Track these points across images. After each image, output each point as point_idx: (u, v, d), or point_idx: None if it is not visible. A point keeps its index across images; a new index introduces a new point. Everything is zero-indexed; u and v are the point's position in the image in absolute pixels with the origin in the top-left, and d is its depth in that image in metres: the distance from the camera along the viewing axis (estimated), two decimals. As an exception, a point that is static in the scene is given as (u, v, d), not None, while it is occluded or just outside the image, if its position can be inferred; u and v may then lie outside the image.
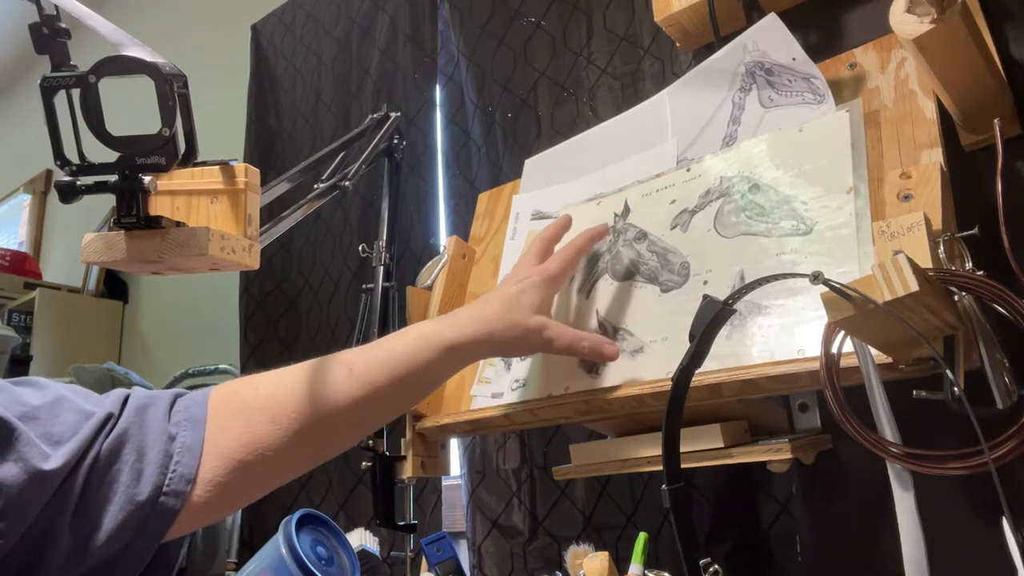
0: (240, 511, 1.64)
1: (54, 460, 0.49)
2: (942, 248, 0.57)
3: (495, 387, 0.86)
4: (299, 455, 0.61)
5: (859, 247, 0.65)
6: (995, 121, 0.67)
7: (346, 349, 0.66)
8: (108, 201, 0.47)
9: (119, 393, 0.58)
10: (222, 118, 2.08)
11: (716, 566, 0.57)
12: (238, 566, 1.54)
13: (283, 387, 0.61)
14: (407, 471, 0.91)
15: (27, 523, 0.48)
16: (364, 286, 1.04)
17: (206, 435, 0.56)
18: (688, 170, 0.84)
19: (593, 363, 0.78)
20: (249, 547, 1.61)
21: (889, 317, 0.49)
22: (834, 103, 0.76)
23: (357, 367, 0.63)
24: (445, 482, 1.38)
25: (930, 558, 0.54)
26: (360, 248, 1.07)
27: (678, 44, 1.07)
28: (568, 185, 0.99)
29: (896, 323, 0.49)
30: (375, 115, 1.07)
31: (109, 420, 0.54)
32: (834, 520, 0.83)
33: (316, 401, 0.60)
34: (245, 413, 0.59)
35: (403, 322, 0.98)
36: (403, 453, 0.92)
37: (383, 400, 0.64)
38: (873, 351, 0.57)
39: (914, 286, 0.48)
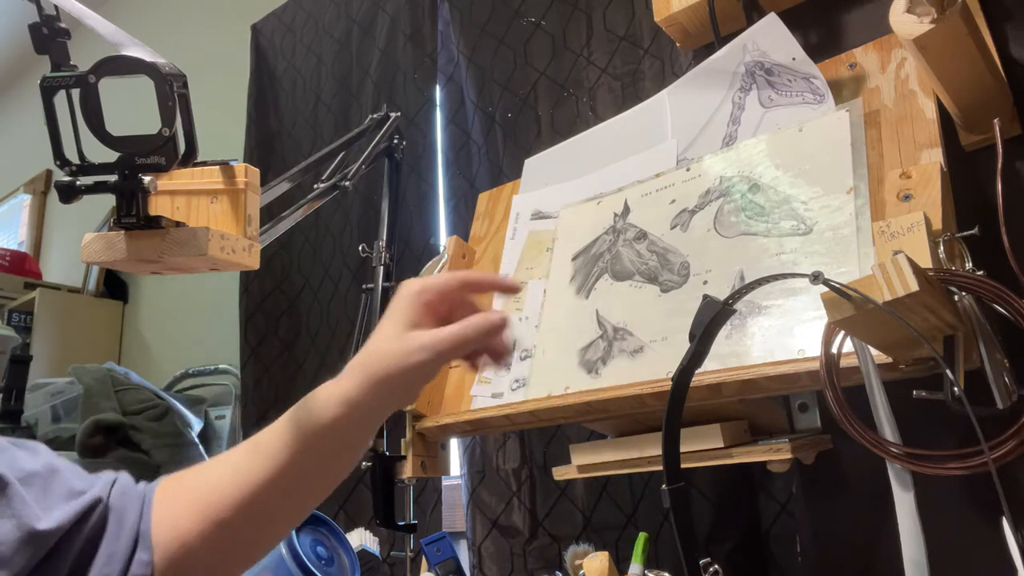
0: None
1: (46, 522, 0.52)
2: (942, 248, 0.57)
3: (495, 387, 0.86)
4: (224, 547, 0.58)
5: (859, 247, 0.65)
6: (995, 121, 0.67)
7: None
8: (108, 201, 0.47)
9: (108, 477, 0.60)
10: (222, 118, 2.08)
11: (716, 566, 0.57)
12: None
13: (207, 475, 0.60)
14: (407, 471, 0.91)
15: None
16: (364, 286, 1.04)
17: (152, 526, 0.57)
18: (688, 170, 0.84)
19: (593, 363, 0.78)
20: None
21: (889, 317, 0.49)
22: (834, 103, 0.76)
23: (261, 444, 0.59)
24: (445, 482, 1.38)
25: (930, 558, 0.54)
26: (360, 248, 1.08)
27: (678, 44, 1.07)
28: (568, 185, 0.99)
29: (896, 323, 0.49)
30: (375, 115, 1.07)
31: (98, 503, 0.56)
32: (834, 520, 0.83)
33: (228, 487, 0.58)
34: (176, 506, 0.59)
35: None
36: (403, 453, 0.92)
37: (292, 476, 0.58)
38: (873, 351, 0.57)
39: (914, 286, 0.48)
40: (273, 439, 0.59)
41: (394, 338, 0.59)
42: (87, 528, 0.54)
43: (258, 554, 0.62)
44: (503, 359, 0.63)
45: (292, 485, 0.59)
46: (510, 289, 0.70)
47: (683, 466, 0.59)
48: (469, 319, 0.58)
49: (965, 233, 0.60)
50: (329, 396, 0.59)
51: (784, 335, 0.65)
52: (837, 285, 0.51)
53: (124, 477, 0.61)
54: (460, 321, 0.58)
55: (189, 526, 0.57)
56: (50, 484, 0.55)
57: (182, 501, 0.59)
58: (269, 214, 0.73)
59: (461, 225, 1.39)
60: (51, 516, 0.52)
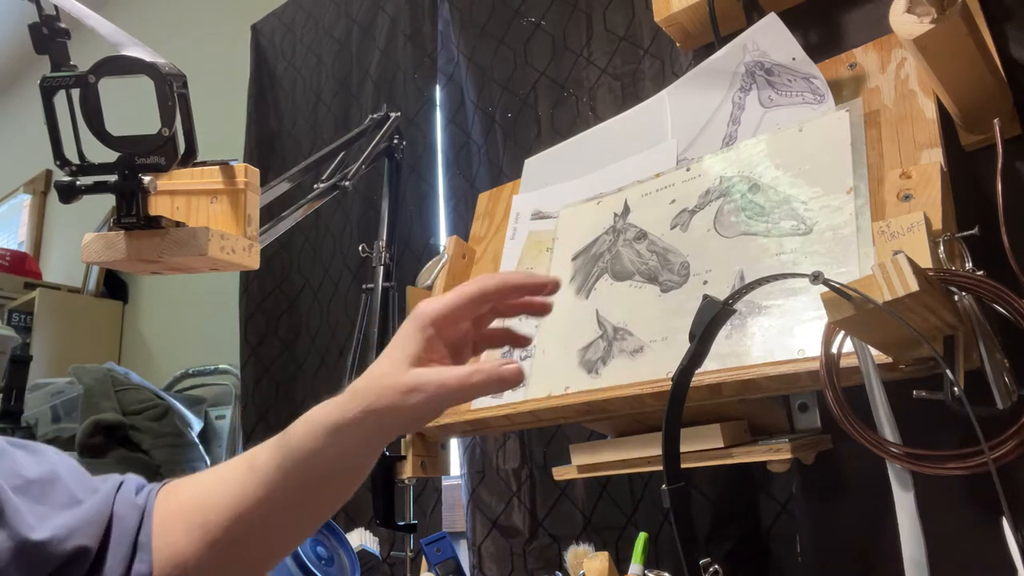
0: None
1: (39, 532, 0.50)
2: (942, 248, 0.57)
3: (495, 387, 0.86)
4: (219, 568, 0.56)
5: (859, 247, 0.65)
6: (995, 121, 0.67)
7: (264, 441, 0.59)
8: (108, 201, 0.47)
9: (113, 483, 0.58)
10: (222, 118, 2.08)
11: (716, 566, 0.57)
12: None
13: (200, 489, 0.58)
14: (407, 471, 0.91)
15: None
16: (364, 286, 1.04)
17: (152, 540, 0.56)
18: (688, 170, 0.84)
19: (593, 363, 0.78)
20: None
21: (889, 317, 0.49)
22: (834, 103, 0.76)
23: (257, 462, 0.57)
24: (445, 482, 1.38)
25: (930, 558, 0.54)
26: (360, 248, 1.08)
27: (678, 44, 1.07)
28: (568, 185, 0.99)
29: (896, 323, 0.49)
30: (375, 115, 1.08)
31: (95, 517, 0.54)
32: (834, 520, 0.83)
33: (219, 507, 0.56)
34: (167, 523, 0.57)
35: (403, 322, 0.98)
36: (403, 453, 0.92)
37: (284, 499, 0.56)
38: (873, 351, 0.57)
39: (914, 286, 0.48)
40: (267, 459, 0.56)
41: (394, 373, 0.54)
42: (87, 538, 0.53)
43: (262, 571, 0.60)
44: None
45: (285, 508, 0.57)
46: (541, 288, 0.58)
47: (683, 466, 0.59)
48: (480, 368, 0.53)
49: (965, 233, 0.60)
50: (318, 422, 0.55)
51: (784, 335, 0.65)
52: (837, 285, 0.51)
53: (130, 482, 0.59)
54: (468, 368, 0.53)
55: (185, 547, 0.55)
56: (49, 492, 0.54)
57: (178, 518, 0.57)
58: (269, 214, 0.73)
59: (461, 225, 1.39)
60: (46, 526, 0.51)
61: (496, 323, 0.62)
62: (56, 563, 0.51)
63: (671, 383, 0.60)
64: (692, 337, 0.60)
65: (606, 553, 0.86)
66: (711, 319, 0.59)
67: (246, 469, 0.57)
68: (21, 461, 0.54)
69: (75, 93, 0.48)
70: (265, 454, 0.57)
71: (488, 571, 1.21)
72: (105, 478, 0.59)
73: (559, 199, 0.98)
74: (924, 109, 0.71)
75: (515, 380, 0.54)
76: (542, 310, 0.60)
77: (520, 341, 0.64)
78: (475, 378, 0.53)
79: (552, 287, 0.59)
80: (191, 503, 0.57)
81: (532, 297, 0.59)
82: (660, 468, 0.58)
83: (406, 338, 0.56)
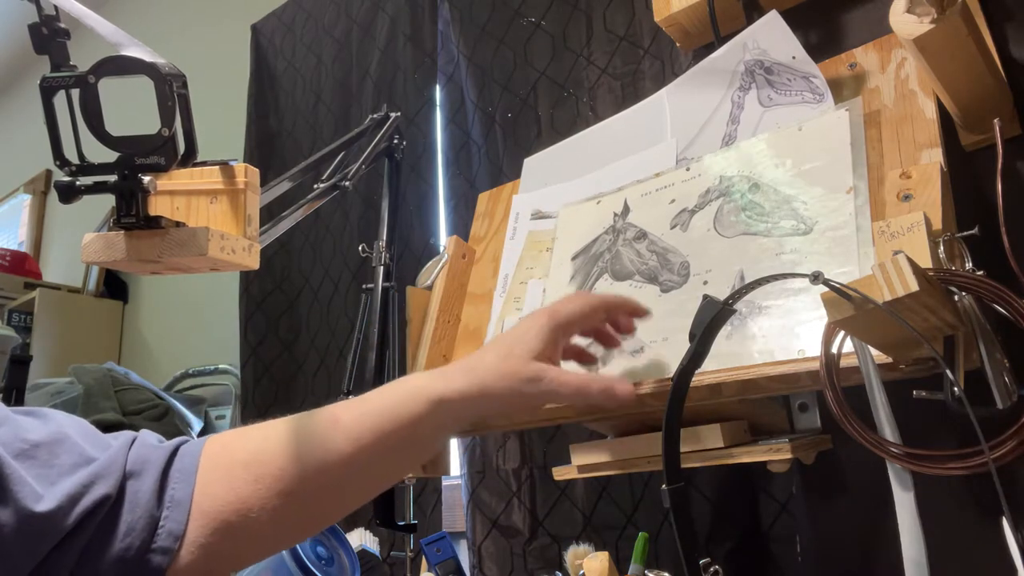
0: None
1: (46, 502, 0.48)
2: (942, 248, 0.57)
3: (495, 387, 0.86)
4: (286, 518, 0.55)
5: (859, 247, 0.65)
6: (995, 121, 0.67)
7: (336, 402, 0.61)
8: (108, 201, 0.47)
9: (126, 437, 0.56)
10: (222, 118, 2.08)
11: (716, 566, 0.57)
12: (238, 566, 1.54)
13: (269, 441, 0.57)
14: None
15: (21, 567, 0.46)
16: (364, 286, 1.04)
17: (195, 490, 0.53)
18: (688, 169, 0.84)
19: (593, 363, 0.78)
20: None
21: (889, 317, 0.49)
22: (833, 102, 0.76)
23: (342, 420, 0.57)
24: (445, 482, 1.38)
25: (930, 558, 0.54)
26: (360, 248, 1.07)
27: (678, 44, 1.07)
28: (568, 184, 0.99)
29: (896, 323, 0.49)
30: (375, 115, 1.07)
31: (109, 468, 0.52)
32: (834, 520, 0.83)
33: (300, 458, 0.55)
34: (230, 469, 0.55)
35: (403, 322, 0.98)
36: (403, 453, 0.92)
37: (370, 458, 0.57)
38: (873, 351, 0.57)
39: (914, 286, 0.48)
40: (355, 418, 0.57)
41: (517, 358, 0.58)
42: (100, 499, 0.50)
43: (321, 526, 0.60)
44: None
45: (368, 467, 0.57)
46: (639, 313, 0.72)
47: (683, 466, 0.59)
48: (599, 379, 0.60)
49: (965, 233, 0.60)
50: (420, 390, 0.58)
51: (784, 335, 0.65)
52: (837, 285, 0.51)
53: (145, 436, 0.57)
54: (589, 376, 0.59)
55: (250, 494, 0.54)
56: (57, 453, 0.51)
57: (242, 466, 0.55)
58: (269, 214, 0.73)
59: (461, 225, 1.39)
60: (53, 492, 0.48)
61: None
62: (69, 527, 0.48)
63: (671, 383, 0.60)
64: (692, 337, 0.60)
65: (606, 553, 0.86)
66: (711, 319, 0.59)
67: (330, 426, 0.57)
68: (26, 425, 0.52)
69: (75, 93, 0.48)
70: (351, 413, 0.57)
71: (488, 571, 1.21)
72: (117, 435, 0.56)
73: (559, 199, 0.98)
74: (924, 109, 0.71)
75: (627, 400, 0.61)
76: (628, 330, 0.72)
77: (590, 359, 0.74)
78: (593, 387, 0.60)
79: (644, 314, 0.72)
80: (261, 453, 0.56)
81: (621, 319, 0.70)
82: (660, 468, 0.58)
83: (535, 332, 0.61)
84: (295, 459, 0.55)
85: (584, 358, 0.74)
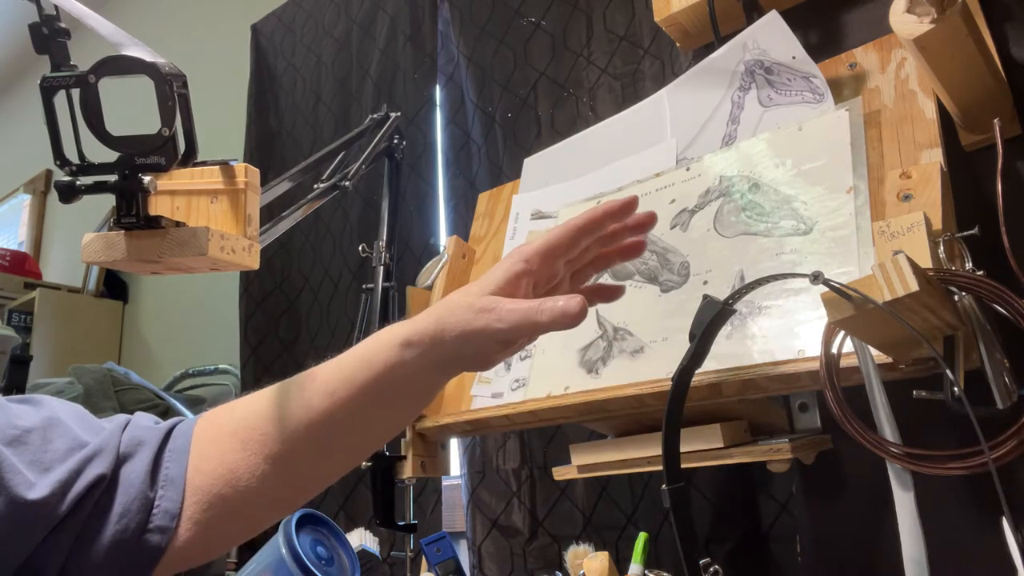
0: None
1: (39, 489, 0.48)
2: (942, 248, 0.57)
3: (495, 387, 0.86)
4: (275, 485, 0.55)
5: (859, 247, 0.65)
6: (995, 121, 0.67)
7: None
8: (108, 201, 0.47)
9: (120, 420, 0.56)
10: (222, 118, 2.08)
11: (716, 566, 0.57)
12: (238, 566, 1.54)
13: (253, 408, 0.56)
14: (407, 471, 0.91)
15: (14, 555, 0.46)
16: (364, 286, 1.04)
17: (188, 467, 0.53)
18: (688, 169, 0.84)
19: (593, 363, 0.78)
20: (249, 547, 1.61)
21: (889, 317, 0.49)
22: (833, 102, 0.76)
23: (319, 376, 0.57)
24: (445, 482, 1.38)
25: (930, 558, 0.54)
26: (360, 248, 1.08)
27: (678, 44, 1.07)
28: (568, 184, 0.99)
29: (896, 323, 0.49)
30: (375, 115, 1.08)
31: (102, 451, 0.52)
32: (834, 520, 0.83)
33: (282, 419, 0.55)
34: (219, 441, 0.55)
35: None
36: (403, 453, 0.92)
37: (350, 411, 0.56)
38: (873, 351, 0.57)
39: (914, 286, 0.48)
40: (330, 373, 0.56)
41: (474, 294, 0.56)
42: (94, 480, 0.50)
43: (314, 490, 0.58)
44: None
45: (350, 422, 0.56)
46: (627, 211, 0.62)
47: (683, 466, 0.59)
48: (545, 303, 0.54)
49: (965, 233, 0.60)
50: (390, 336, 0.57)
51: (784, 335, 0.65)
52: (837, 285, 0.51)
53: (139, 418, 0.57)
54: (536, 302, 0.54)
55: (239, 460, 0.53)
56: (50, 438, 0.51)
57: (230, 435, 0.55)
58: (269, 214, 0.73)
59: (461, 225, 1.39)
60: (46, 479, 0.48)
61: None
62: (63, 514, 0.49)
63: (671, 383, 0.60)
64: (692, 337, 0.60)
65: (606, 553, 0.86)
66: (711, 319, 0.59)
67: (308, 383, 0.56)
68: (18, 412, 0.52)
69: (75, 93, 0.48)
70: (327, 369, 0.57)
71: (488, 571, 1.21)
72: (111, 419, 0.56)
73: (559, 199, 0.98)
74: (924, 109, 0.71)
75: (580, 314, 0.55)
76: (636, 250, 0.64)
77: (611, 292, 0.66)
78: (543, 311, 0.54)
79: (633, 205, 0.62)
80: (246, 420, 0.56)
81: (624, 238, 0.62)
82: (660, 468, 0.58)
83: (498, 268, 0.58)
84: (277, 421, 0.54)
85: (587, 290, 0.66)
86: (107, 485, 0.51)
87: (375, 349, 0.56)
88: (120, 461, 0.52)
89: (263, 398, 0.57)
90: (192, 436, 0.56)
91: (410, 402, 0.59)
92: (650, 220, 0.64)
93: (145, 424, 0.56)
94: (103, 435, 0.53)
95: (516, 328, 0.54)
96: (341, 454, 0.58)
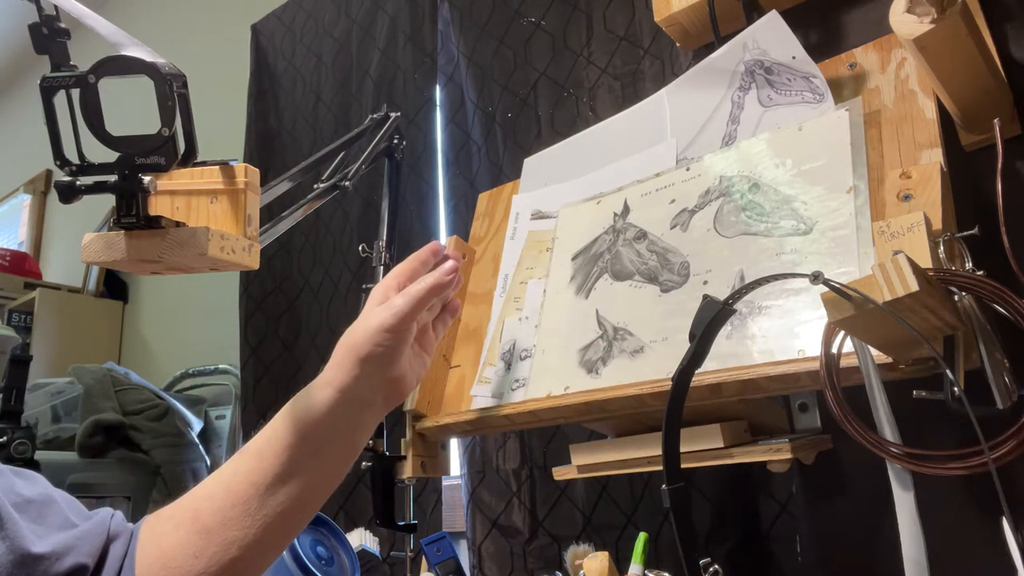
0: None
1: (42, 546, 0.51)
2: (942, 248, 0.57)
3: (495, 387, 0.86)
4: (218, 559, 0.56)
5: (859, 247, 0.65)
6: (995, 121, 0.67)
7: None
8: (108, 201, 0.47)
9: (104, 513, 0.59)
10: (222, 118, 2.08)
11: (716, 566, 0.57)
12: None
13: (192, 494, 0.60)
14: (407, 471, 0.91)
15: None
16: (364, 286, 1.04)
17: (137, 565, 0.56)
18: (688, 169, 0.84)
19: (593, 363, 0.78)
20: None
21: (889, 317, 0.49)
22: (833, 102, 0.76)
23: (250, 443, 0.60)
24: (445, 482, 1.38)
25: (930, 558, 0.54)
26: (360, 248, 1.07)
27: (678, 44, 1.07)
28: (568, 184, 0.99)
29: (896, 323, 0.49)
30: (375, 115, 1.07)
31: (93, 534, 0.55)
32: (834, 520, 0.83)
33: (212, 494, 0.58)
34: (156, 527, 0.58)
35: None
36: (403, 453, 0.92)
37: (292, 472, 0.58)
38: (873, 351, 0.57)
39: (914, 286, 0.48)
40: (269, 437, 0.59)
41: (362, 317, 0.63)
42: (85, 556, 0.53)
43: (261, 552, 0.59)
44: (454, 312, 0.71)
45: (289, 483, 0.58)
46: (434, 254, 0.70)
47: (683, 466, 0.59)
48: (421, 278, 0.64)
49: (965, 233, 0.60)
50: (318, 386, 0.61)
51: (784, 335, 0.65)
52: (837, 285, 0.51)
53: (120, 514, 0.60)
54: (420, 280, 0.63)
55: (173, 542, 0.56)
56: (46, 514, 0.54)
57: (167, 519, 0.58)
58: (269, 214, 0.73)
59: (461, 225, 1.39)
60: (45, 542, 0.51)
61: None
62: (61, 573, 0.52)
63: (671, 383, 0.60)
64: (692, 337, 0.60)
65: (606, 553, 0.86)
66: (711, 319, 0.59)
67: (244, 457, 0.59)
68: (18, 483, 0.55)
69: (75, 93, 0.48)
70: (265, 436, 0.60)
71: (488, 571, 1.21)
72: (97, 510, 0.60)
73: (559, 199, 0.98)
74: (924, 109, 0.71)
75: (447, 282, 0.64)
76: (448, 287, 0.67)
77: (452, 308, 0.73)
78: (418, 285, 0.63)
79: (439, 251, 0.70)
80: (183, 506, 0.59)
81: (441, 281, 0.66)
82: (660, 468, 0.58)
83: (372, 295, 0.65)
84: (214, 499, 0.57)
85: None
86: (96, 564, 0.54)
87: (305, 403, 0.60)
88: (107, 546, 0.56)
89: (206, 480, 0.60)
90: (139, 536, 0.58)
91: (344, 448, 0.62)
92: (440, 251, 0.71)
93: (120, 520, 0.59)
94: (91, 522, 0.57)
95: (409, 309, 0.61)
96: (285, 517, 0.59)
